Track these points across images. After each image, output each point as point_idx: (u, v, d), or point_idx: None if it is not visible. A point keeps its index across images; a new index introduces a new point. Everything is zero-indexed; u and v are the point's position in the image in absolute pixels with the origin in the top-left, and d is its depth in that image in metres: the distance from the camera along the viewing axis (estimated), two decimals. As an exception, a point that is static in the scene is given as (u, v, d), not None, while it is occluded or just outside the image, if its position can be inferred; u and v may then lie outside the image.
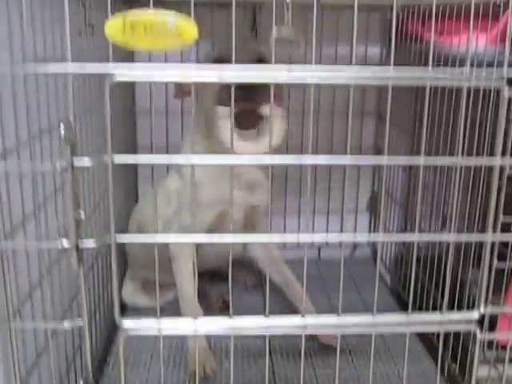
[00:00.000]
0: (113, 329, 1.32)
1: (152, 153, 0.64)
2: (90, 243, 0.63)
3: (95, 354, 1.21)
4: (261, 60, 1.10)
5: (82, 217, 0.62)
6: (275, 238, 0.74)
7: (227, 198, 1.08)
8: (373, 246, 1.77)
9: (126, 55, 1.40)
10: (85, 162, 0.61)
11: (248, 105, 1.01)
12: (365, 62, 1.61)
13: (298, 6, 0.63)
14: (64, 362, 0.94)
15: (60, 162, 0.60)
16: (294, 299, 1.31)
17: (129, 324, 0.67)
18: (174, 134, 1.60)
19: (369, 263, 1.74)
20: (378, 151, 1.69)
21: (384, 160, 0.65)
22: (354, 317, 0.73)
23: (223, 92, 1.03)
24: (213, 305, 1.44)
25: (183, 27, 0.59)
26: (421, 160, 0.65)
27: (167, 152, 1.59)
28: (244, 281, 1.57)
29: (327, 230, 1.70)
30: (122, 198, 1.50)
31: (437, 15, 1.33)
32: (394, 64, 0.61)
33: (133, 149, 1.65)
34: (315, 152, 0.61)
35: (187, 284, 1.23)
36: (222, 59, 1.09)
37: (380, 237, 0.71)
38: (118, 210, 1.38)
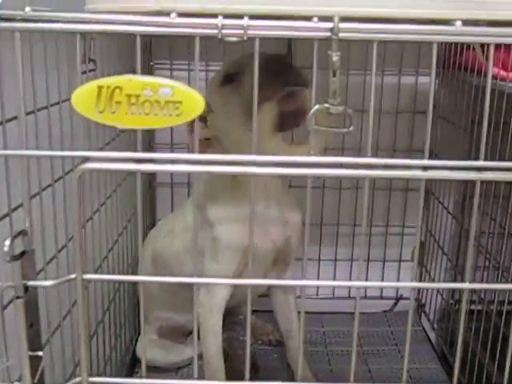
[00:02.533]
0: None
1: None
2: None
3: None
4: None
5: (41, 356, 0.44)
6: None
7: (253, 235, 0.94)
8: (417, 298, 1.56)
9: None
10: (44, 283, 0.44)
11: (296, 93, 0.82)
12: (415, 92, 1.41)
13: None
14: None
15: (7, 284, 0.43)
16: (290, 357, 1.20)
17: None
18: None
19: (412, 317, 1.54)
20: (427, 192, 1.49)
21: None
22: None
23: (266, 84, 0.79)
24: (241, 365, 1.27)
25: (184, 100, 0.41)
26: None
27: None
28: (268, 337, 1.40)
29: (366, 280, 1.51)
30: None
31: (499, 46, 1.15)
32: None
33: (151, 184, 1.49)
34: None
35: (212, 338, 1.07)
36: (231, 74, 0.91)
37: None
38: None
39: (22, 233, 0.42)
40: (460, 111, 1.27)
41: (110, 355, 1.11)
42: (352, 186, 1.45)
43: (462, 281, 1.35)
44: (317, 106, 0.41)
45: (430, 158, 1.36)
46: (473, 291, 1.23)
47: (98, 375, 1.03)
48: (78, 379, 0.46)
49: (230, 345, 1.26)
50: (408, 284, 0.51)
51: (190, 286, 1.06)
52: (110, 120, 0.42)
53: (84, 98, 0.41)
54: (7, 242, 0.40)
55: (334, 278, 1.52)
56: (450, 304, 1.41)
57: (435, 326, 1.46)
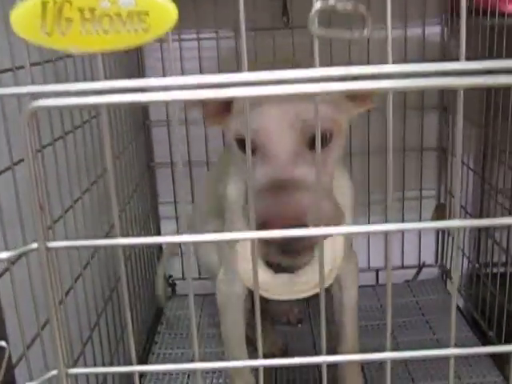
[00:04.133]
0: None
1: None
2: None
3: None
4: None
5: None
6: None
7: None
8: (441, 265, 1.47)
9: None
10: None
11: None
12: (423, 44, 1.31)
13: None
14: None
15: None
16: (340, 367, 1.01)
17: None
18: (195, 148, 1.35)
19: (437, 285, 1.45)
20: (443, 151, 1.40)
21: None
22: None
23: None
24: (272, 347, 1.21)
25: (150, 10, 0.32)
26: None
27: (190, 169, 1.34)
28: (287, 317, 1.32)
29: (385, 250, 1.42)
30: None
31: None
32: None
33: (149, 165, 1.40)
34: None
35: (232, 328, 0.97)
36: (266, 223, 0.66)
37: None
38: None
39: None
40: (473, 57, 1.17)
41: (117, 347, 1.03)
42: (381, 150, 1.34)
43: (487, 241, 1.27)
44: (319, 4, 0.32)
45: (443, 111, 1.26)
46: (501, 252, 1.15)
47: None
48: (54, 372, 0.38)
49: (253, 329, 1.18)
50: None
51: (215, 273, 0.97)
52: (61, 43, 0.33)
53: (26, 17, 0.32)
54: None
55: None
56: (477, 267, 1.32)
57: (463, 292, 1.37)
